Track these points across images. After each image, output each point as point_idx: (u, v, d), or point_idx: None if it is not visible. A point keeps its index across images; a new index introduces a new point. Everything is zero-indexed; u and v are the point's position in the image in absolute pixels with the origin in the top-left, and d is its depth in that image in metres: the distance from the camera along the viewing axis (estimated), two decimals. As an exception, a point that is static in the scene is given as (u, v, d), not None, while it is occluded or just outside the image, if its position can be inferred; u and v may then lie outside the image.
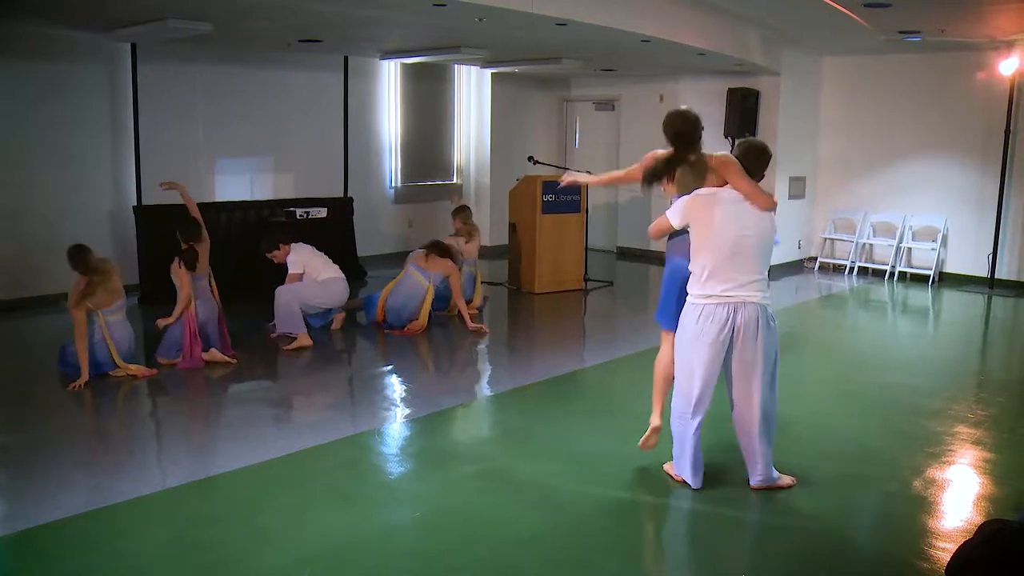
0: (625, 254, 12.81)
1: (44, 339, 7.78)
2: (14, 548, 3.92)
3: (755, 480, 4.50)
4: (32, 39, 8.33)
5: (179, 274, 6.73)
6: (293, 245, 7.63)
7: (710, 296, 4.26)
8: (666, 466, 4.69)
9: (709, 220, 4.29)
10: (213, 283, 7.01)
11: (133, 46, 8.72)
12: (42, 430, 5.37)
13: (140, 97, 8.84)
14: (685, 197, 4.36)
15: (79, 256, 6.28)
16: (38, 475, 4.63)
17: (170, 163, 9.08)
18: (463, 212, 8.95)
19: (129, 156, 9.00)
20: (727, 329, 4.26)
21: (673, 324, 4.54)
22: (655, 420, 4.71)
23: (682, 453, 4.48)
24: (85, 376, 6.18)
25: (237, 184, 9.85)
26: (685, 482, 4.51)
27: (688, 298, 4.36)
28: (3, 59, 8.28)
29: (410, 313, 7.86)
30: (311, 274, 7.56)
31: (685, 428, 4.41)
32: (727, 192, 4.32)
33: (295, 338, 7.33)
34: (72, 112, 8.77)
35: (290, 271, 7.52)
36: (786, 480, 4.56)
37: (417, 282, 7.90)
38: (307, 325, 7.55)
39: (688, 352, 4.34)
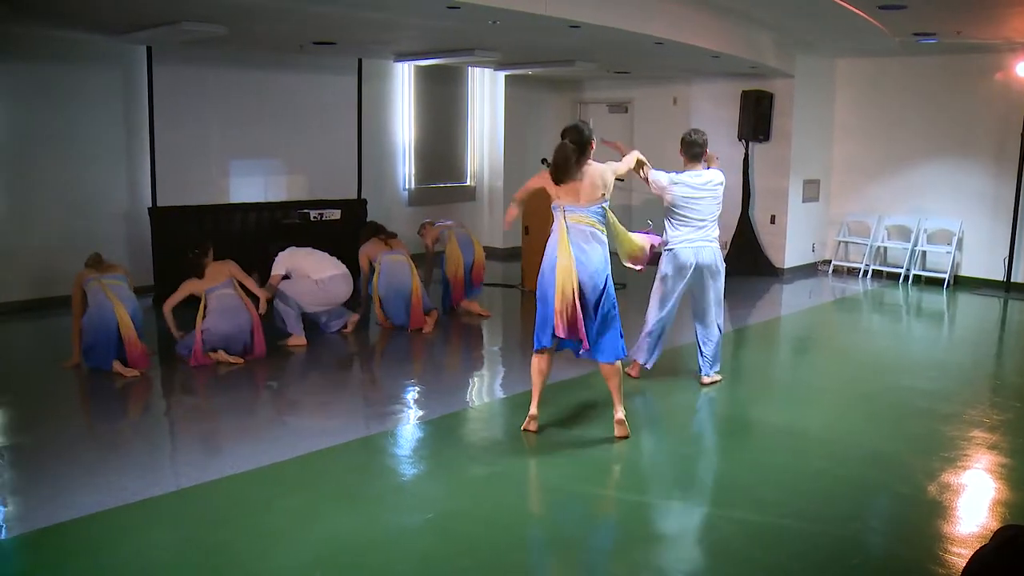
0: (638, 257, 12.76)
1: (59, 340, 7.83)
2: (27, 548, 3.94)
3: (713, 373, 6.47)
4: (49, 42, 8.40)
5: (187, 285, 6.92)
6: (283, 252, 7.67)
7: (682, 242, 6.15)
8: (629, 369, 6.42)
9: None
10: (239, 290, 7.01)
11: (148, 49, 8.76)
12: (55, 430, 5.40)
13: (155, 99, 8.88)
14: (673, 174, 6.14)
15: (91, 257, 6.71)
16: (51, 475, 4.65)
17: (185, 165, 9.13)
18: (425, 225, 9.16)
19: (144, 157, 9.05)
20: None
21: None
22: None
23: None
24: (76, 353, 6.58)
25: (251, 186, 9.88)
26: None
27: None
28: (21, 62, 8.36)
29: (406, 295, 7.88)
30: (305, 273, 7.54)
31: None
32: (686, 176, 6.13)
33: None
34: (88, 114, 8.83)
35: (272, 272, 7.52)
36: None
37: (397, 263, 7.95)
38: (320, 330, 7.69)
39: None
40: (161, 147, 8.97)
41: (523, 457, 5.06)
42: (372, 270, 8.03)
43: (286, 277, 7.50)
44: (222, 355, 6.81)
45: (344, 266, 7.80)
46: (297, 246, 7.80)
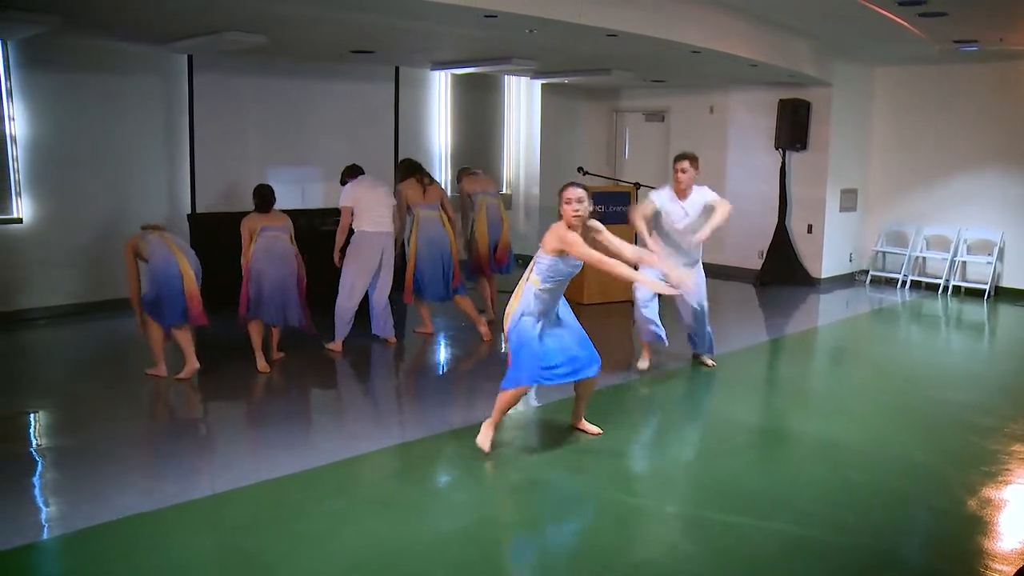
0: (673, 265, 12.70)
1: (102, 343, 7.96)
2: (68, 548, 4.01)
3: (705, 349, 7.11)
4: (94, 52, 8.57)
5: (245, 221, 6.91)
6: (349, 184, 7.65)
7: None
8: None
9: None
10: (293, 243, 7.01)
11: (190, 57, 8.90)
12: (96, 432, 5.48)
13: (196, 107, 9.02)
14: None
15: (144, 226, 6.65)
16: (91, 477, 4.73)
17: (224, 172, 9.24)
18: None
19: (184, 165, 9.18)
20: None
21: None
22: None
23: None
24: (139, 315, 6.49)
25: (289, 192, 9.95)
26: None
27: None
28: (67, 72, 8.52)
29: (446, 256, 7.81)
30: (359, 214, 7.49)
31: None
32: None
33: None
34: (131, 122, 8.98)
35: (341, 206, 7.54)
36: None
37: (432, 220, 7.83)
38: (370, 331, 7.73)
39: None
40: (201, 154, 9.09)
41: (557, 465, 5.05)
42: (411, 217, 7.87)
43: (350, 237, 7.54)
44: (258, 351, 6.89)
45: (390, 224, 7.61)
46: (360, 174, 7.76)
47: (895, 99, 11.40)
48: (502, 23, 6.52)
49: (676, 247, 6.65)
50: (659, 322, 6.87)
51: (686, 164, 6.55)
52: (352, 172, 7.75)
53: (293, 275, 6.90)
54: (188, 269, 6.36)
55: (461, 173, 9.01)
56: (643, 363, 7.06)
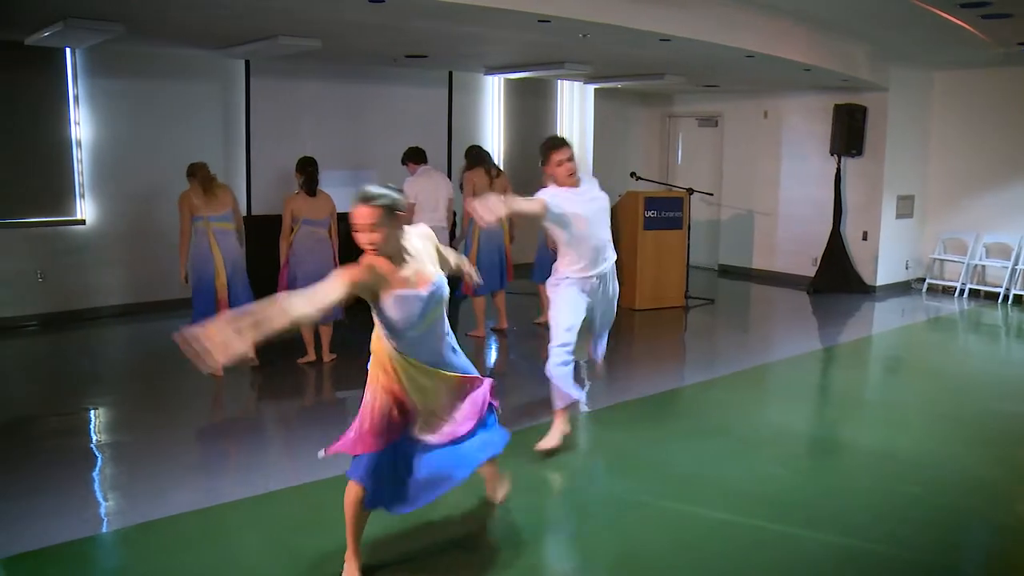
0: (727, 272, 12.62)
1: (162, 342, 8.09)
2: (124, 543, 4.10)
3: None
4: (156, 58, 8.78)
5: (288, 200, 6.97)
6: (420, 168, 7.69)
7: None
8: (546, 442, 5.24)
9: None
10: (333, 236, 7.08)
11: (247, 63, 9.04)
12: (155, 429, 5.60)
13: (252, 111, 9.17)
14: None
15: (192, 166, 6.76)
16: (149, 473, 4.83)
17: (279, 175, 9.36)
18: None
19: (241, 168, 9.32)
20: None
21: None
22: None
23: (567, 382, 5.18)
24: (183, 273, 6.66)
25: (343, 196, 9.93)
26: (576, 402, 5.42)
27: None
28: (128, 78, 8.75)
29: (500, 246, 7.87)
30: (415, 211, 7.49)
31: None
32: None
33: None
34: (190, 126, 9.16)
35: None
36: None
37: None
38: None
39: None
40: (257, 157, 9.25)
41: (607, 473, 5.03)
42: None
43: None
44: (308, 344, 7.02)
45: (444, 219, 7.70)
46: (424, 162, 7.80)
47: (954, 103, 11.17)
48: (555, 28, 6.53)
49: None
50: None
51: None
52: (415, 157, 7.77)
53: (330, 265, 6.95)
54: (223, 276, 6.53)
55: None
56: (553, 439, 5.28)
